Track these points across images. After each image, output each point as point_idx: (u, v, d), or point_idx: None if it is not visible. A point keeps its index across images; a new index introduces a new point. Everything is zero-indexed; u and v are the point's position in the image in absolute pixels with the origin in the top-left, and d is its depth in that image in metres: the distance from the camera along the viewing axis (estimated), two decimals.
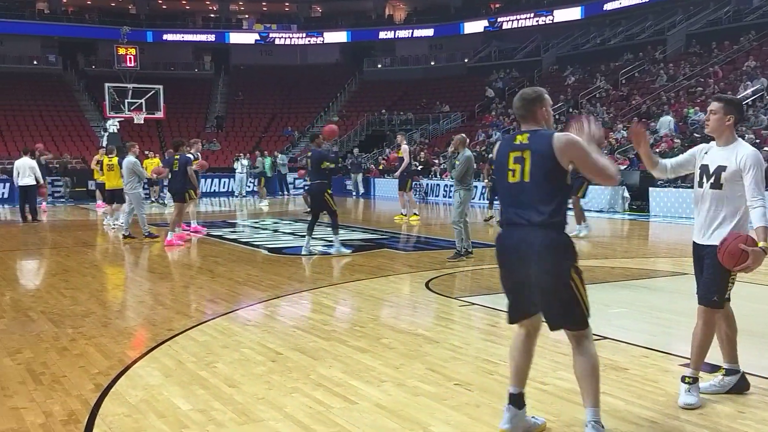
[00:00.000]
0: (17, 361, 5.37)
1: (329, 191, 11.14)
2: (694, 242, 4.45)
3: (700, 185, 4.36)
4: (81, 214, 21.12)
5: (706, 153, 4.40)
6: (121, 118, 30.89)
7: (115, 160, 15.43)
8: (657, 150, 19.94)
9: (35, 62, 42.28)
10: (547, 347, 5.65)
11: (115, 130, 30.56)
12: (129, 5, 46.84)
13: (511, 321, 3.95)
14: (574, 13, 39.97)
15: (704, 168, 4.36)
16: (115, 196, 15.67)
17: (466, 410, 4.25)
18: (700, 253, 4.37)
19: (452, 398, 4.44)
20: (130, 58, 33.52)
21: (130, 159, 13.31)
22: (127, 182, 13.33)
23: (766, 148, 18.13)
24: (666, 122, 23.12)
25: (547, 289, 3.71)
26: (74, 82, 42.24)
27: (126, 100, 30.65)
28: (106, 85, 30.80)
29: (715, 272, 4.27)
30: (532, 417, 3.97)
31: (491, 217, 16.00)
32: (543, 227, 3.69)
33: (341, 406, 4.33)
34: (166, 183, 14.55)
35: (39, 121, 37.28)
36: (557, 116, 31.01)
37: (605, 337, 5.65)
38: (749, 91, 24.21)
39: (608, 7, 38.40)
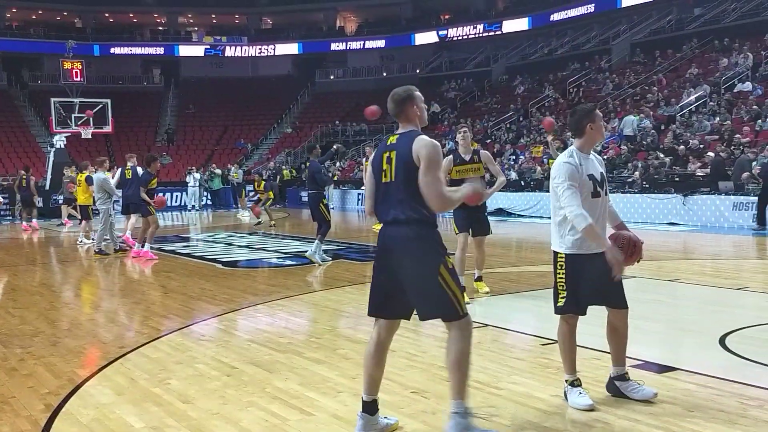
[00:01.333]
0: None
1: (324, 201, 11.63)
2: (588, 254, 4.31)
3: (598, 194, 4.39)
4: (29, 232, 20.60)
5: (581, 164, 4.38)
6: (68, 133, 30.25)
7: (84, 176, 15.35)
8: (605, 157, 20.34)
9: None
10: (501, 352, 5.73)
11: (63, 146, 29.90)
12: (75, 19, 46.07)
13: (370, 313, 4.07)
14: (521, 24, 40.66)
15: (593, 177, 4.39)
16: (83, 212, 15.66)
17: (422, 418, 4.28)
18: (601, 260, 4.23)
19: (409, 406, 4.46)
20: (76, 72, 32.85)
21: (99, 175, 13.24)
22: (97, 198, 13.29)
23: (710, 153, 18.69)
24: (630, 122, 23.53)
25: (415, 284, 3.81)
26: (19, 97, 41.32)
27: (73, 115, 29.99)
28: (52, 99, 30.15)
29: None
30: (385, 417, 4.09)
31: None
32: (408, 223, 3.81)
33: (298, 418, 4.32)
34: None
35: None
36: (507, 125, 31.51)
37: (556, 341, 5.72)
38: (692, 97, 24.88)
39: (554, 17, 39.17)
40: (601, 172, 4.46)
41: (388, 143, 3.98)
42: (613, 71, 32.49)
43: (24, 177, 21.11)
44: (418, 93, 4.02)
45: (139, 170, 13.32)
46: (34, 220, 20.51)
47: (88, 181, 14.92)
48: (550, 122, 13.32)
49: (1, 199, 18.91)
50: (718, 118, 22.15)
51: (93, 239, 15.44)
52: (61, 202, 22.70)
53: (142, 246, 12.96)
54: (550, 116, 13.80)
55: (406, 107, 3.98)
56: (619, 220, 4.64)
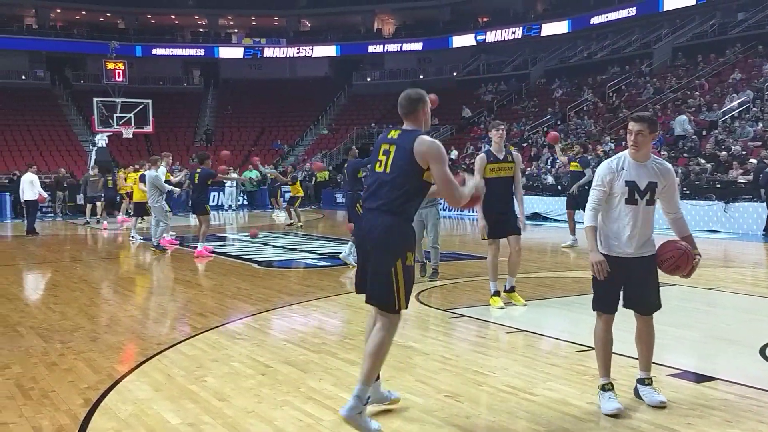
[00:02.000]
0: (6, 377, 5.34)
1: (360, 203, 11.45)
2: (614, 256, 4.43)
3: (633, 201, 4.43)
4: (72, 228, 21.03)
5: (623, 169, 4.44)
6: (109, 133, 30.83)
7: (137, 174, 15.86)
8: None
9: (23, 77, 42.17)
10: (537, 358, 5.69)
11: (104, 145, 30.47)
12: (118, 20, 46.85)
13: (356, 290, 4.41)
14: (561, 27, 40.29)
15: (633, 184, 4.42)
16: (137, 209, 16.13)
17: (456, 422, 4.26)
18: (629, 265, 4.44)
19: (442, 410, 4.45)
20: (118, 72, 33.50)
21: (151, 173, 13.54)
22: (150, 195, 13.55)
23: (752, 160, 18.34)
24: (681, 122, 23.25)
25: (373, 266, 4.09)
26: (62, 96, 42.17)
27: (115, 115, 30.56)
28: (95, 99, 30.74)
29: (654, 281, 4.54)
30: (388, 390, 4.37)
31: None
32: (384, 212, 4.05)
33: (331, 419, 4.33)
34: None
35: (27, 136, 37.19)
36: (545, 129, 31.29)
37: (592, 348, 5.66)
38: (735, 103, 24.45)
39: (595, 20, 38.75)
40: (651, 182, 4.42)
41: (389, 136, 4.19)
42: (654, 75, 32.04)
43: (110, 178, 21.80)
44: (428, 98, 4.29)
45: (153, 172, 13.60)
46: (105, 222, 20.96)
47: (142, 178, 15.32)
48: (554, 136, 13.68)
49: (47, 196, 19.49)
50: (761, 124, 21.73)
51: (132, 235, 15.77)
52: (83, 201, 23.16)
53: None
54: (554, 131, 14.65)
55: (417, 107, 4.22)
56: (686, 233, 4.58)
